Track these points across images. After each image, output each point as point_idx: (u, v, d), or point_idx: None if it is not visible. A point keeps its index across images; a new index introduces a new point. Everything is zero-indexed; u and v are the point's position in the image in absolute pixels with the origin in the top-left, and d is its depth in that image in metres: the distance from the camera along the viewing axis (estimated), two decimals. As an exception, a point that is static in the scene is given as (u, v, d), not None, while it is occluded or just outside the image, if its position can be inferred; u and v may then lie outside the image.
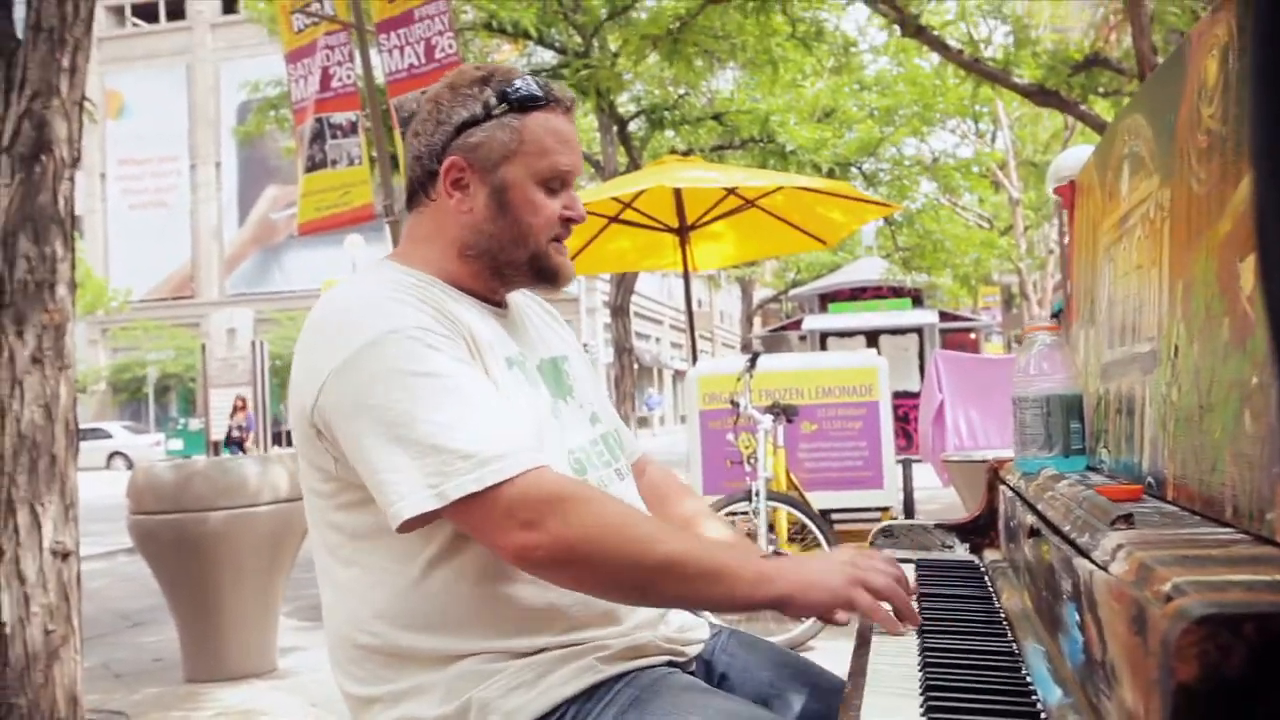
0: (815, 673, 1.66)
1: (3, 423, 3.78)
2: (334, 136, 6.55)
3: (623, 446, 1.75)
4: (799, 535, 5.26)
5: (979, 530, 1.98)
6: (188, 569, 4.86)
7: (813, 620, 4.82)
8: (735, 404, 5.43)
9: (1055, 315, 2.05)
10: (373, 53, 6.23)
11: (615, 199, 7.65)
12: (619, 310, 14.38)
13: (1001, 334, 28.28)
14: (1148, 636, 0.70)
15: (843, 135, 15.61)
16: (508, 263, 1.58)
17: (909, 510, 6.87)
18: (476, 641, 1.44)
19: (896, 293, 20.69)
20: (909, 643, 1.34)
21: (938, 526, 2.02)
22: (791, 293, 29.41)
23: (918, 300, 21.44)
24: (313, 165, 6.58)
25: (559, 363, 1.70)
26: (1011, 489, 1.69)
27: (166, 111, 43.96)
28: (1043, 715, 1.03)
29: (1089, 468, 1.66)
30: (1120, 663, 0.79)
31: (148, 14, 46.06)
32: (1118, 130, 1.59)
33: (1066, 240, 2.39)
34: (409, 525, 1.37)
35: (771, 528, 5.07)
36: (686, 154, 10.67)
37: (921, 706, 1.07)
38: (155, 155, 44.41)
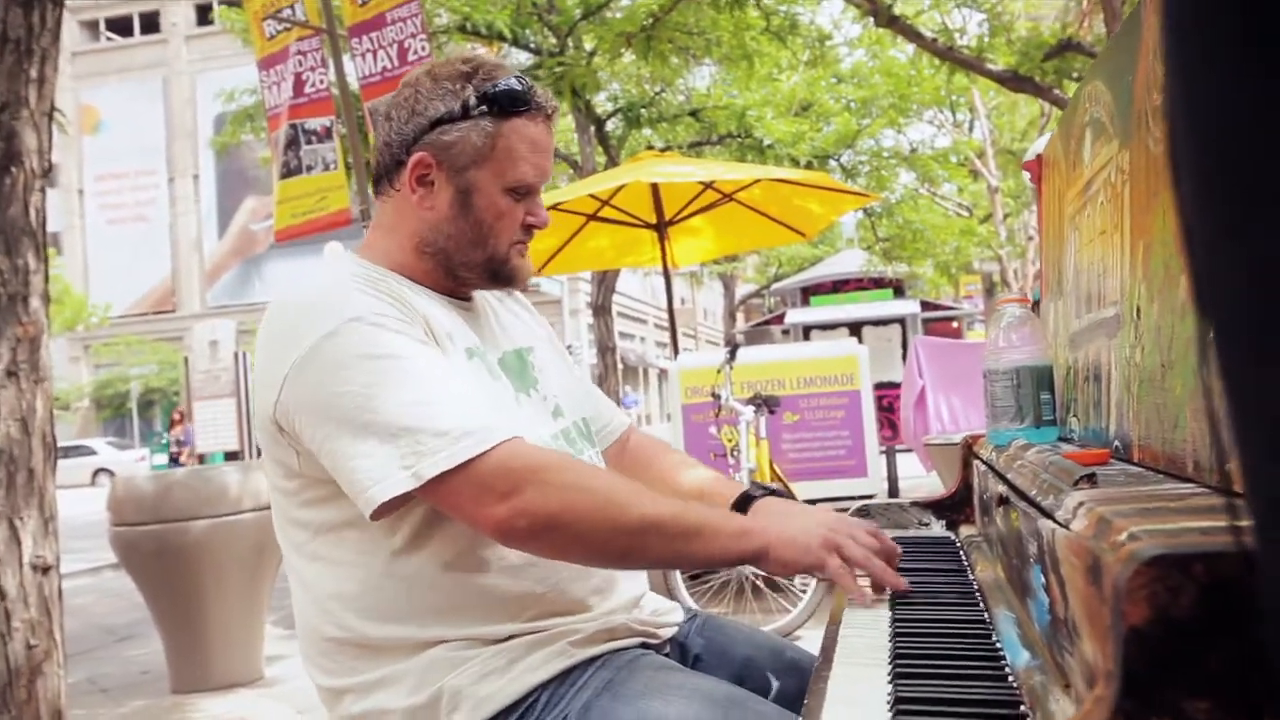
0: (789, 652, 1.66)
1: (-23, 436, 3.75)
2: (309, 142, 6.52)
3: (591, 437, 1.73)
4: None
5: (955, 507, 1.97)
6: (171, 580, 4.83)
7: (802, 606, 4.83)
8: (717, 396, 5.42)
9: (1036, 305, 2.05)
10: (345, 58, 6.20)
11: (593, 196, 7.64)
12: (601, 309, 14.34)
13: (984, 322, 28.32)
14: (1102, 585, 0.69)
15: (820, 128, 15.61)
16: (463, 263, 1.57)
17: (894, 497, 6.87)
18: (447, 629, 1.43)
19: (878, 284, 20.68)
20: (881, 616, 1.33)
21: (914, 504, 2.01)
22: (773, 287, 29.40)
23: (899, 291, 21.43)
24: (288, 172, 6.55)
25: (524, 354, 1.69)
26: (984, 462, 1.69)
27: (143, 125, 43.73)
28: (1010, 678, 1.02)
29: (1061, 438, 1.66)
30: (1080, 617, 0.78)
31: (122, 28, 45.81)
32: (1079, 98, 1.59)
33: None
34: (383, 510, 1.36)
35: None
36: (664, 151, 10.66)
37: (889, 674, 1.06)
38: (133, 169, 44.16)
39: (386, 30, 6.11)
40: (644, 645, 1.54)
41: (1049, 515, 0.98)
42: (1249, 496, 0.44)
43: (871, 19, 9.81)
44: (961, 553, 1.72)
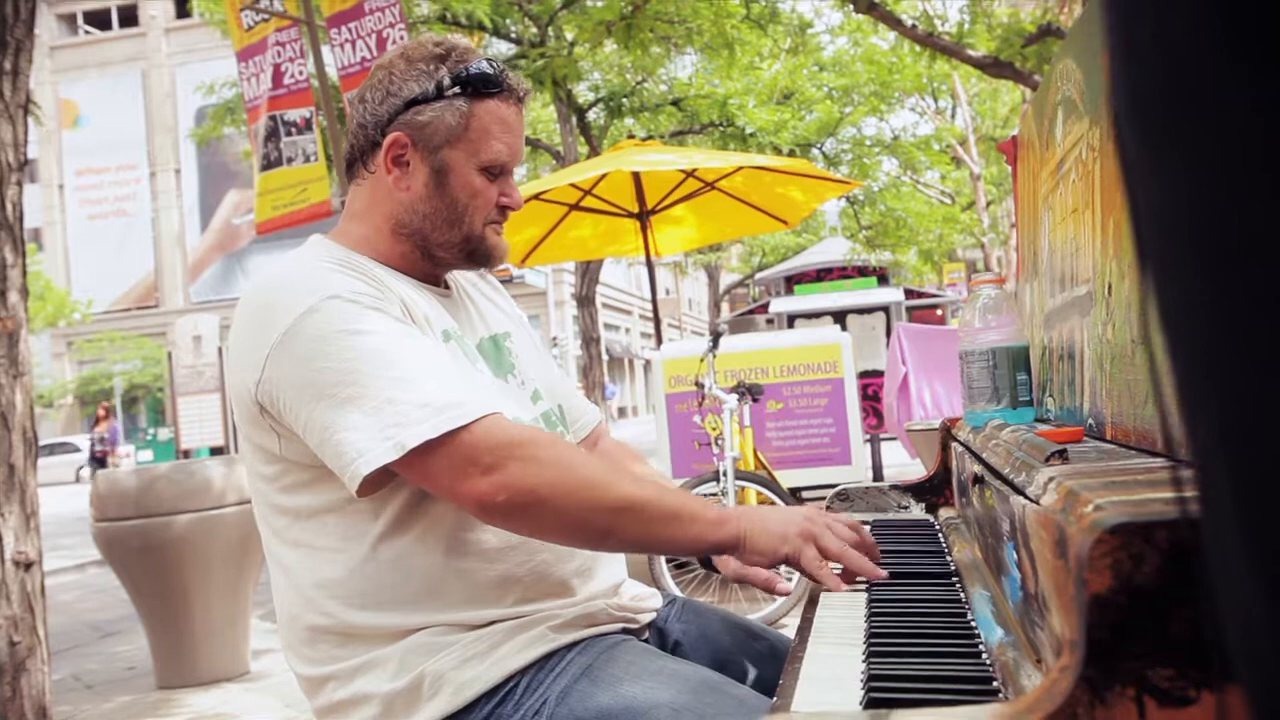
0: (768, 637, 1.66)
1: (-44, 432, 3.73)
2: (288, 134, 6.49)
3: (567, 422, 1.74)
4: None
5: (934, 489, 1.98)
6: (155, 574, 4.81)
7: (782, 600, 4.84)
8: (700, 385, 5.42)
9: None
10: (324, 48, 6.17)
11: (574, 186, 7.62)
12: (585, 300, 14.33)
13: (968, 309, 28.33)
14: (1068, 556, 0.69)
15: (802, 117, 15.59)
16: (440, 243, 1.57)
17: (878, 484, 6.87)
18: (428, 615, 1.43)
19: (862, 272, 20.73)
20: (858, 599, 1.34)
21: (893, 488, 2.01)
22: (758, 276, 29.41)
23: (883, 279, 21.49)
24: (268, 164, 6.52)
25: (500, 340, 1.69)
26: (961, 443, 1.69)
27: (123, 119, 43.48)
28: (984, 655, 1.03)
29: (1038, 419, 1.66)
30: (1049, 590, 0.79)
31: (100, 21, 45.52)
32: (1051, 77, 1.59)
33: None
34: (368, 486, 1.35)
35: (741, 507, 5.06)
36: (646, 140, 10.64)
37: (864, 653, 1.07)
38: (113, 164, 43.91)
39: (365, 20, 6.08)
40: (624, 631, 1.54)
41: (1020, 492, 0.98)
42: (1191, 452, 0.45)
43: (851, 5, 9.80)
44: (940, 535, 1.73)
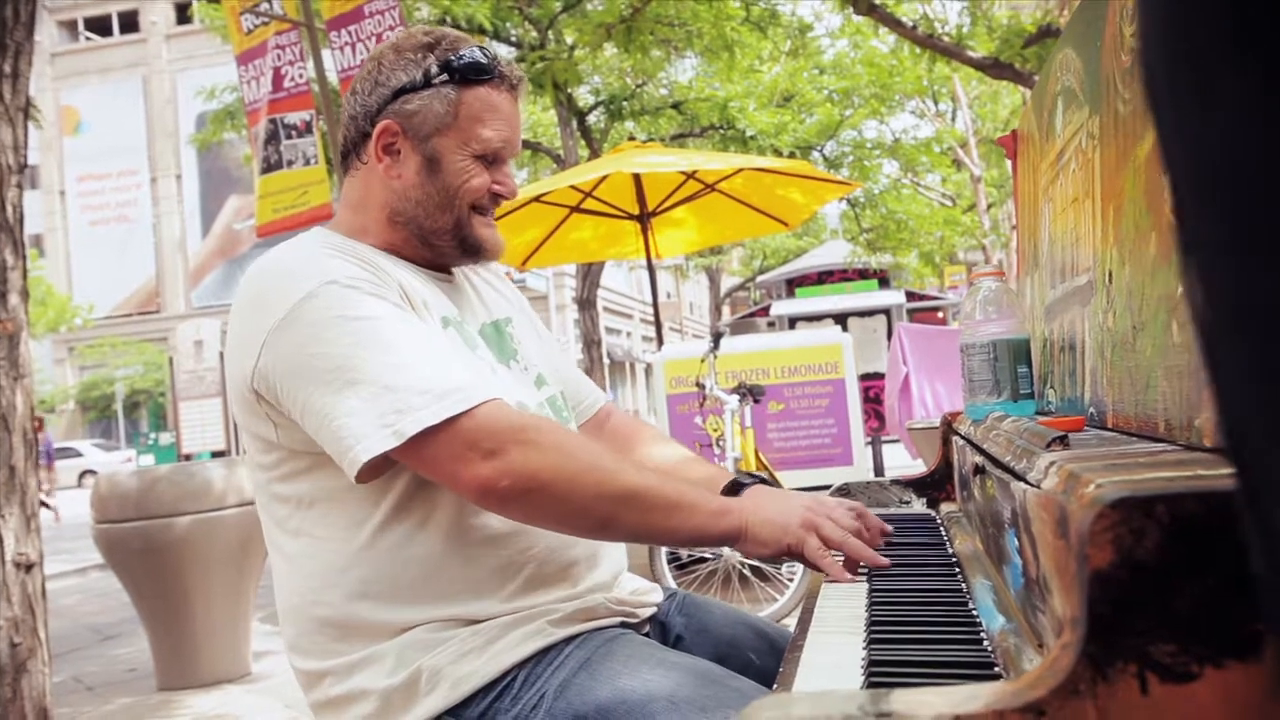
0: (769, 631, 1.66)
1: (-44, 433, 3.73)
2: (289, 137, 6.49)
3: (571, 407, 1.74)
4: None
5: (936, 484, 1.97)
6: (156, 576, 4.81)
7: (789, 594, 4.83)
8: (701, 386, 5.41)
9: None
10: (324, 51, 6.17)
11: (574, 188, 7.62)
12: (586, 303, 14.32)
13: (969, 311, 28.30)
14: (1069, 534, 0.68)
15: (803, 120, 15.59)
16: (433, 230, 1.56)
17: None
18: (428, 607, 1.42)
19: (863, 275, 20.75)
20: (859, 589, 1.33)
21: (894, 483, 2.01)
22: (759, 279, 29.43)
23: (884, 282, 21.51)
24: (268, 167, 6.52)
25: (501, 325, 1.68)
26: (962, 436, 1.68)
27: (124, 125, 43.50)
28: (985, 642, 1.02)
29: (1039, 411, 1.66)
30: (1050, 571, 0.78)
31: (101, 27, 45.55)
32: (1050, 69, 1.58)
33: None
34: (367, 472, 1.35)
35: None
36: (646, 143, 10.63)
37: (864, 641, 1.06)
38: (114, 170, 43.93)
39: (365, 23, 6.08)
40: (623, 625, 1.53)
41: (1021, 478, 0.98)
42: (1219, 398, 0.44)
43: (851, 7, 9.79)
44: (941, 528, 1.72)
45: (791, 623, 4.48)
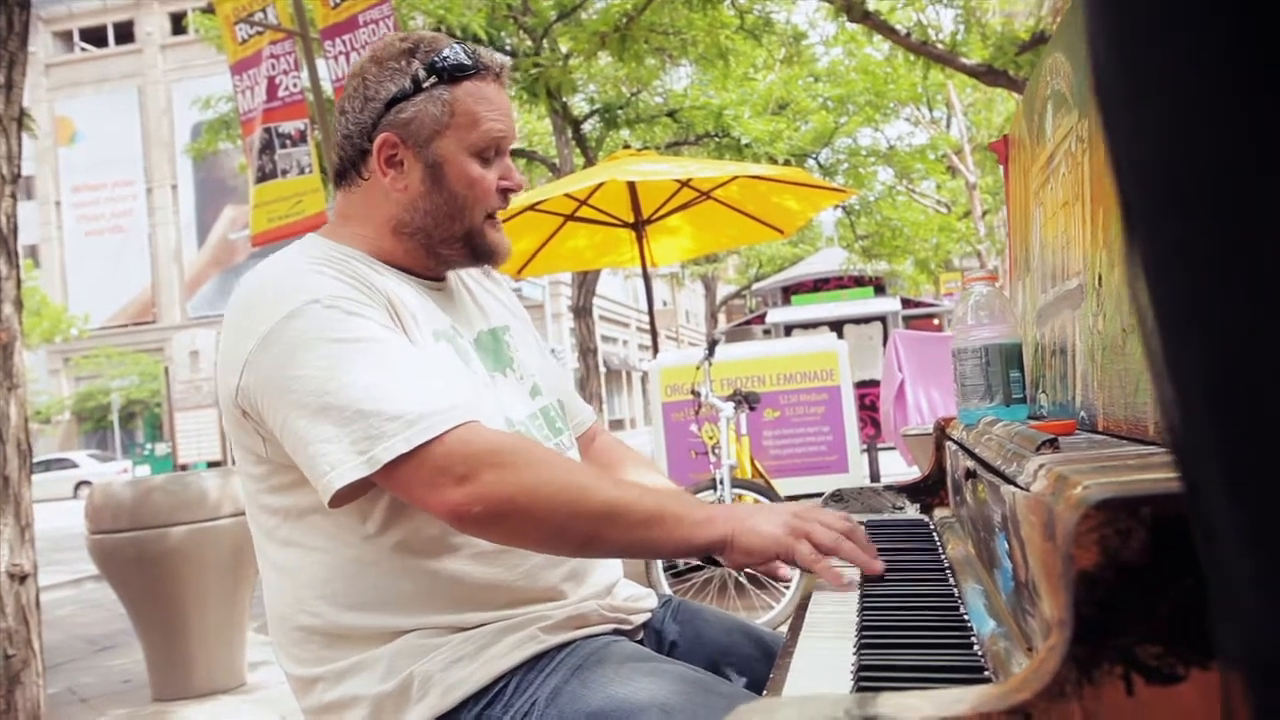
0: (764, 637, 1.65)
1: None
2: (283, 146, 6.50)
3: (565, 418, 1.73)
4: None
5: (929, 489, 1.97)
6: (150, 586, 4.79)
7: (786, 601, 4.82)
8: (697, 394, 5.42)
9: None
10: (319, 61, 6.18)
11: (569, 196, 7.61)
12: (582, 311, 14.32)
13: (965, 319, 28.29)
14: (1056, 536, 0.68)
15: (797, 127, 15.60)
16: (444, 239, 1.56)
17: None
18: (418, 617, 1.42)
19: (858, 282, 20.75)
20: (850, 595, 1.32)
21: (888, 488, 2.01)
22: (754, 287, 29.45)
23: (880, 289, 21.52)
24: (263, 176, 6.52)
25: (499, 333, 1.68)
26: (954, 441, 1.68)
27: (119, 136, 43.53)
28: (975, 646, 1.02)
29: (1031, 416, 1.66)
30: (1038, 574, 0.78)
31: (96, 38, 45.58)
32: (1040, 73, 1.59)
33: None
34: (341, 497, 1.34)
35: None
36: (641, 151, 10.64)
37: (855, 645, 1.06)
38: (110, 180, 43.94)
39: (359, 32, 6.09)
40: (616, 632, 1.53)
41: (1011, 481, 0.98)
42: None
43: (845, 15, 9.81)
44: (934, 534, 1.72)
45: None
